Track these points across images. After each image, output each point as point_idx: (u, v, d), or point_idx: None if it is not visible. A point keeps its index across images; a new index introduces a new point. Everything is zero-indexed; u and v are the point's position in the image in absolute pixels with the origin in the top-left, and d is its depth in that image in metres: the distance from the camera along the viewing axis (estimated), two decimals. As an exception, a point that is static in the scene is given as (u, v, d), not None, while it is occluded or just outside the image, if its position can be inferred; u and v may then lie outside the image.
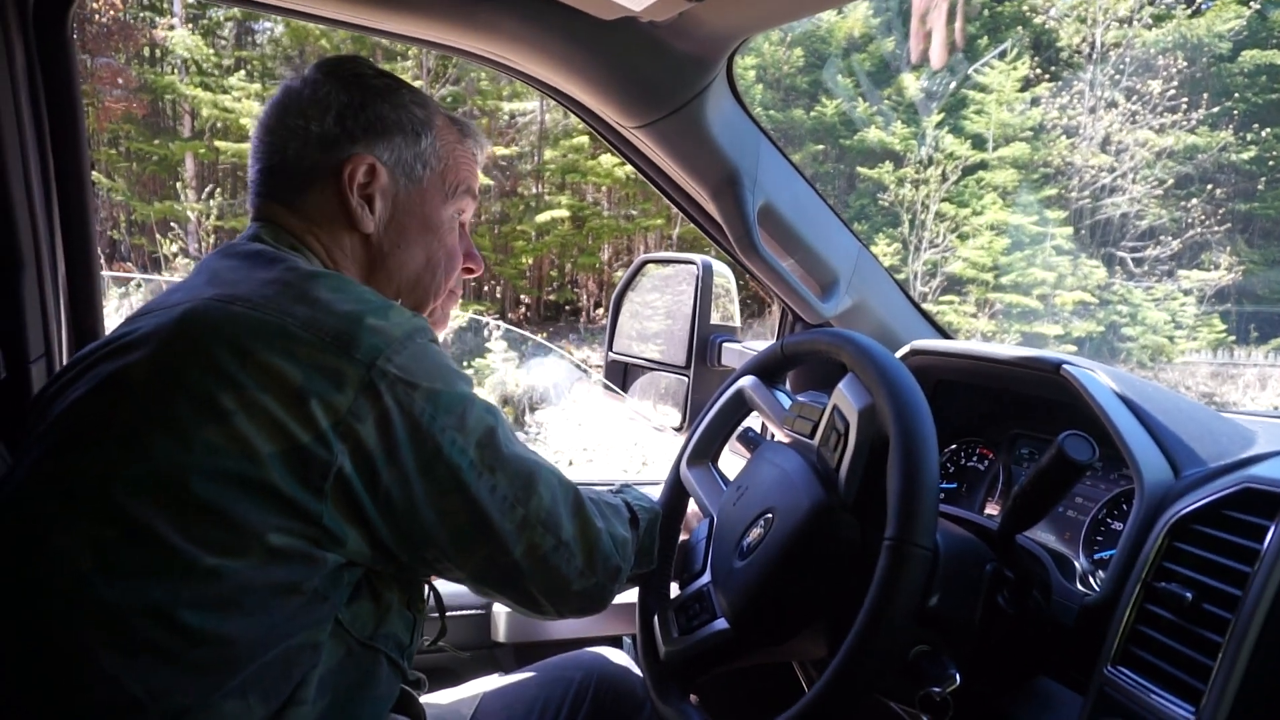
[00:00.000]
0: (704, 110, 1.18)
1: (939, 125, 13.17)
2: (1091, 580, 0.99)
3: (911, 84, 13.80)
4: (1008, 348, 1.12)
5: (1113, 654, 0.76)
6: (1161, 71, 13.21)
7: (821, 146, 14.71)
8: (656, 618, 1.02)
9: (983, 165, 13.11)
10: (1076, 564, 1.01)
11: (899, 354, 1.27)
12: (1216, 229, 13.36)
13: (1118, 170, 13.53)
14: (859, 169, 13.81)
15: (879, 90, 14.32)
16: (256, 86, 12.56)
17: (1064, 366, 0.97)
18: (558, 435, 10.08)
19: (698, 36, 1.09)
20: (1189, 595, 0.71)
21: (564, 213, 13.09)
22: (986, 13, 14.56)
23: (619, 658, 1.20)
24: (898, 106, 14.08)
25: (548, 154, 13.45)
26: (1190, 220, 13.43)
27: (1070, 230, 13.23)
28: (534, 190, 14.15)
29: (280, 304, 0.74)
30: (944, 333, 1.51)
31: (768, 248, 1.31)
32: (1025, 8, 14.32)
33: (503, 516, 0.80)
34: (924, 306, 1.52)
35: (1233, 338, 13.08)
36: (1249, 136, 13.75)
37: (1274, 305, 13.36)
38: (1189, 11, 13.32)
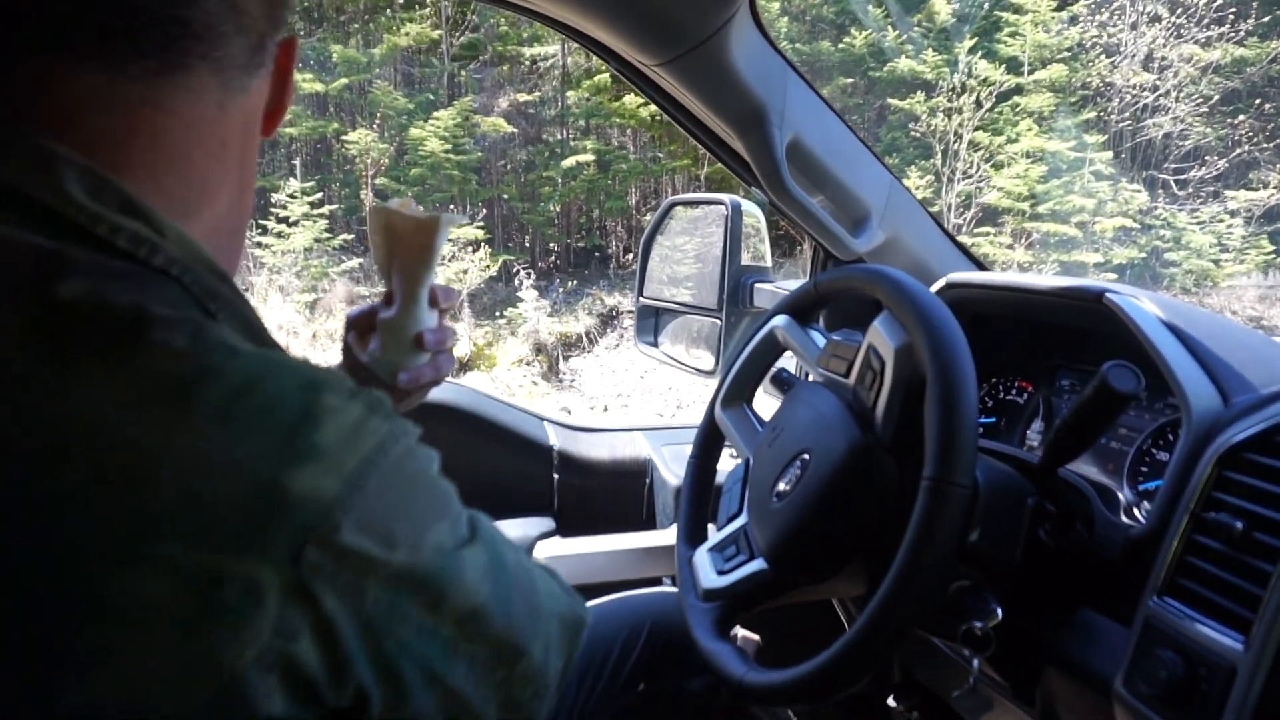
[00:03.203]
0: (727, 44, 1.15)
1: (972, 50, 12.73)
2: (1136, 512, 0.97)
3: (943, 8, 13.32)
4: (1047, 278, 1.09)
5: (1159, 585, 0.75)
6: (1208, -20, 12.61)
7: (850, 79, 14.32)
8: (695, 558, 1.03)
9: (1018, 90, 12.68)
10: (1120, 496, 1.00)
11: (934, 288, 1.24)
12: (1265, 146, 12.86)
13: (1161, 89, 13.03)
14: (889, 100, 13.44)
15: (909, 16, 13.86)
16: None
17: (1106, 295, 0.94)
18: (592, 383, 10.15)
19: (719, -34, 1.05)
20: (1239, 525, 0.69)
21: (589, 157, 12.95)
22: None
23: (674, 596, 1.20)
24: (928, 33, 13.61)
25: (570, 97, 13.27)
26: (1237, 138, 12.94)
27: (1110, 154, 12.81)
28: (559, 136, 14.01)
29: None
30: (980, 265, 1.47)
31: (797, 184, 1.28)
32: (1061, -81, 13.68)
33: (481, 684, 0.55)
34: (959, 239, 1.49)
35: (1282, 259, 12.68)
36: (1301, 46, 13.13)
37: (1326, 224, 12.90)
38: (1237, -85, 12.65)
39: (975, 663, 0.81)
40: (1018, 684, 0.90)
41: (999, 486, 0.82)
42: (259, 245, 10.78)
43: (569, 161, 12.94)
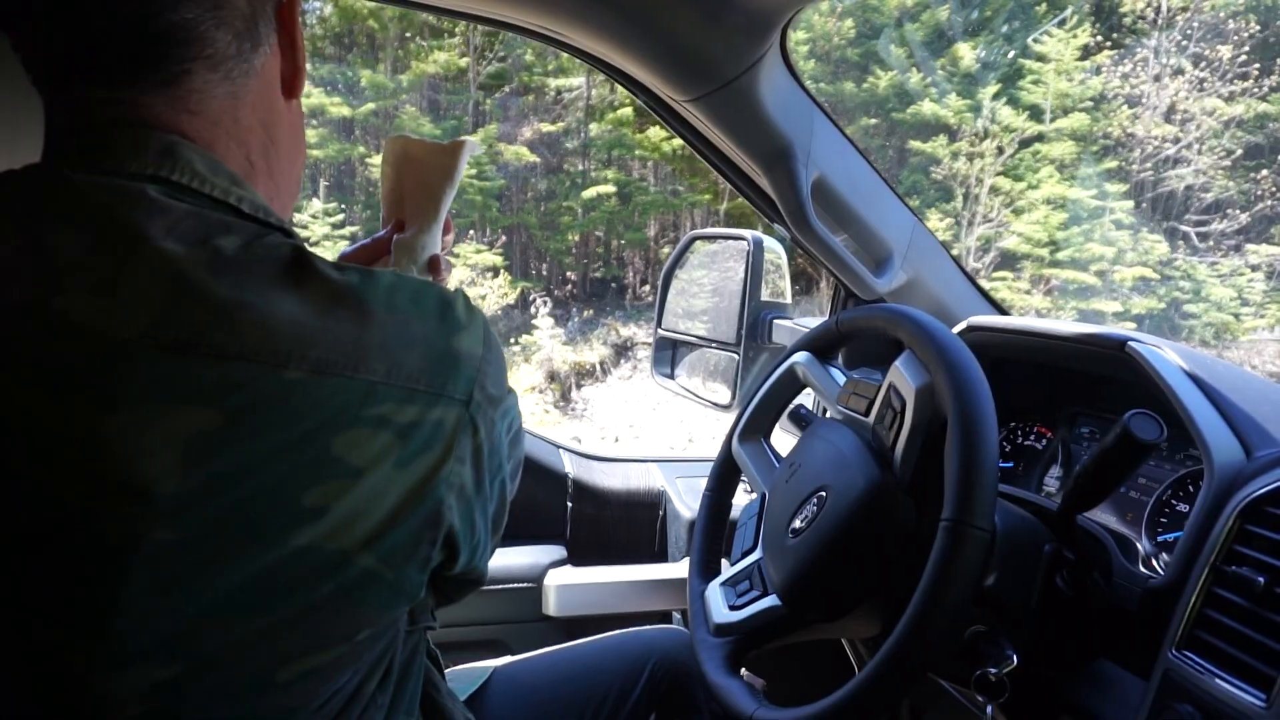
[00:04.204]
0: (757, 83, 1.16)
1: (995, 96, 12.80)
2: (1154, 563, 0.96)
3: (967, 54, 13.42)
4: (1069, 324, 1.09)
5: (1178, 638, 0.74)
6: (1232, 36, 12.65)
7: (873, 120, 14.41)
8: (707, 593, 1.02)
9: (1039, 137, 12.71)
10: (1139, 546, 0.99)
11: (956, 330, 1.24)
12: (1288, 201, 12.81)
13: (1182, 141, 13.03)
14: (911, 143, 13.51)
15: (933, 61, 13.96)
16: (306, 66, 12.72)
17: (1129, 343, 0.94)
18: (604, 412, 10.14)
19: (751, 7, 1.07)
20: (1261, 580, 0.69)
21: (610, 188, 13.05)
22: (1045, -22, 14.05)
23: (678, 634, 1.20)
24: (952, 77, 13.70)
25: (593, 129, 13.40)
26: (1260, 192, 12.89)
27: (1131, 204, 12.78)
28: (580, 166, 14.14)
29: None
30: (1001, 309, 1.47)
31: (821, 222, 1.29)
32: (1086, -28, 13.79)
33: (513, 479, 0.70)
34: (978, 282, 1.49)
35: (1303, 315, 12.57)
36: (1325, 104, 13.12)
37: (1348, 280, 12.79)
38: (1262, -28, 12.72)
39: (989, 709, 0.80)
40: (1031, 733, 0.89)
41: (1017, 531, 0.82)
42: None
43: (590, 192, 13.03)
